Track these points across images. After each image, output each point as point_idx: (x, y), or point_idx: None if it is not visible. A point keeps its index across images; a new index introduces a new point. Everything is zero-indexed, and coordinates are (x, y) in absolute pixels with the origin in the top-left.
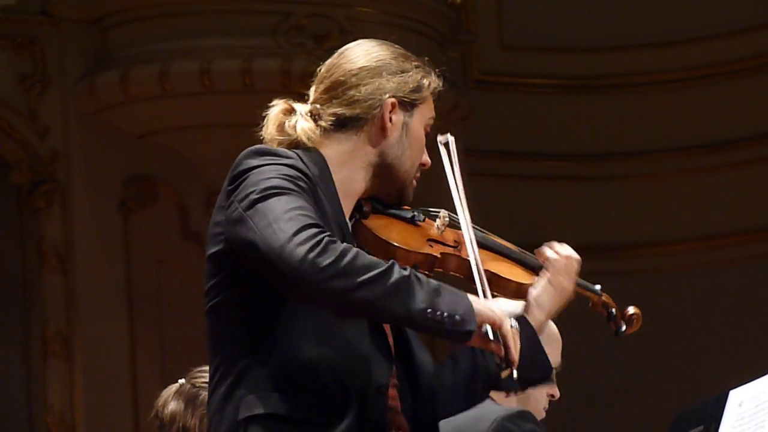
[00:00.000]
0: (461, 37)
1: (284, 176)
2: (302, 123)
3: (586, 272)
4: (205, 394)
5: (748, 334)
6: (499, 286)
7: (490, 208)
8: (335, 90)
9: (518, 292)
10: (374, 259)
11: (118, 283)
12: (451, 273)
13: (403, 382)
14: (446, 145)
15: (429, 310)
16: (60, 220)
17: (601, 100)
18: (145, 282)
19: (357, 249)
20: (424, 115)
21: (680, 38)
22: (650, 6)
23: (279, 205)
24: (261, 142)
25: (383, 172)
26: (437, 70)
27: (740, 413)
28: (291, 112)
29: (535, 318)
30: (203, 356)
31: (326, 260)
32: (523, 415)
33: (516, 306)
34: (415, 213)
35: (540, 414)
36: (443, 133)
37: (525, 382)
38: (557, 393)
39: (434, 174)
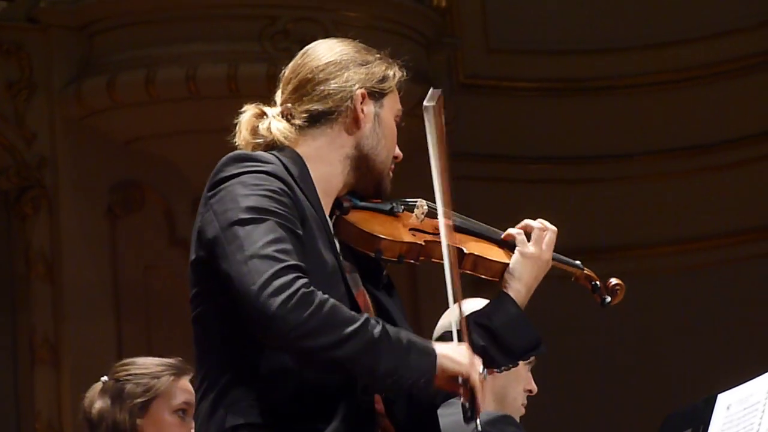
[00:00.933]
0: (447, 41)
1: (265, 192)
2: (276, 124)
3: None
4: (130, 386)
5: (736, 336)
6: (485, 268)
7: (476, 212)
8: (304, 87)
9: (503, 272)
10: (348, 313)
11: (105, 289)
12: (435, 261)
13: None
14: (429, 108)
15: (393, 377)
16: (47, 226)
17: (587, 102)
18: (133, 288)
19: (332, 302)
20: (392, 105)
21: (665, 41)
22: (635, 9)
23: (257, 236)
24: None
25: (360, 164)
26: (398, 61)
27: (728, 416)
28: (262, 115)
29: (514, 290)
30: (191, 361)
31: (299, 317)
32: (505, 419)
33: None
34: (394, 204)
35: (519, 411)
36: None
37: (516, 356)
38: (534, 388)
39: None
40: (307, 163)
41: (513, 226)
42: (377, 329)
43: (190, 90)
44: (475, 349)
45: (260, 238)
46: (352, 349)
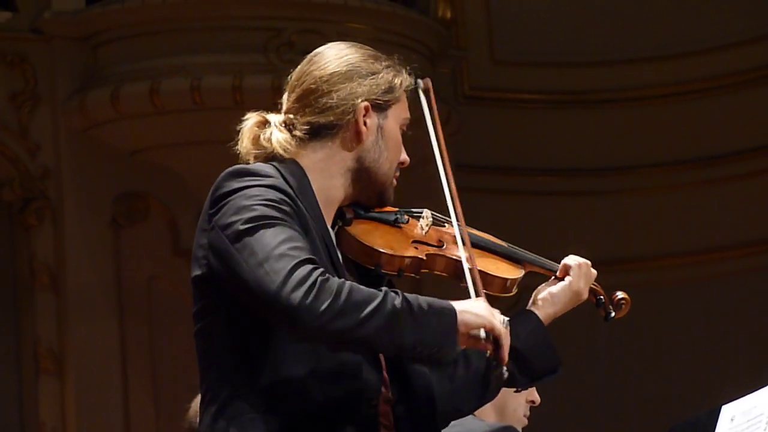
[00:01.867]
0: (452, 53)
1: (267, 202)
2: (277, 134)
3: None
4: None
5: (740, 348)
6: (486, 283)
7: (481, 224)
8: (307, 98)
9: (505, 287)
10: (367, 292)
11: (109, 300)
12: (437, 273)
13: (398, 397)
14: (426, 91)
15: (419, 347)
16: (51, 237)
17: (592, 115)
18: (136, 298)
19: (350, 284)
20: (398, 115)
21: (671, 53)
22: (641, 21)
23: (267, 240)
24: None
25: (362, 176)
26: (408, 67)
27: (732, 428)
28: (265, 124)
29: (545, 313)
30: (195, 373)
31: (323, 304)
32: (507, 431)
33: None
34: (398, 215)
35: (521, 422)
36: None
37: (534, 375)
38: (537, 399)
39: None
40: (307, 175)
41: (514, 240)
42: (398, 300)
43: (195, 101)
44: (498, 378)
45: (270, 240)
46: (376, 324)
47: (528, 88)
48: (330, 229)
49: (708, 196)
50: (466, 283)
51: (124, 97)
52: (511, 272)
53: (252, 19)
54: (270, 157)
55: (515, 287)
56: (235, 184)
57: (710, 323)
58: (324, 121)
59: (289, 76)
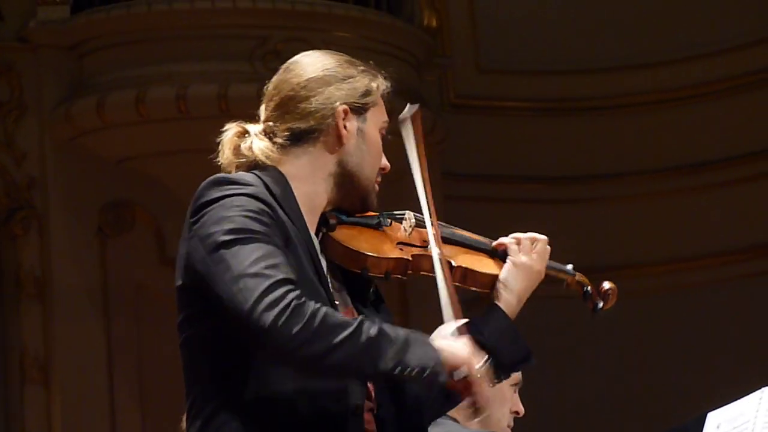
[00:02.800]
0: (437, 61)
1: (247, 213)
2: (258, 143)
3: (565, 296)
4: None
5: (725, 355)
6: (474, 281)
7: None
8: (286, 105)
9: (493, 283)
10: (341, 319)
11: (95, 309)
12: (423, 273)
13: (383, 405)
14: (406, 121)
15: (398, 368)
16: (37, 247)
17: (577, 122)
18: (123, 307)
19: (325, 309)
20: (377, 118)
21: (654, 61)
22: (624, 29)
23: (244, 256)
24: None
25: (345, 181)
26: (383, 72)
27: None
28: (245, 133)
29: (505, 301)
30: (181, 383)
31: (294, 327)
32: None
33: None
34: (381, 218)
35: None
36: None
37: (506, 368)
38: (521, 409)
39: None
40: (290, 182)
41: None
42: (373, 329)
43: (181, 110)
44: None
45: (247, 257)
46: (350, 351)
47: (514, 95)
48: (314, 236)
49: (694, 203)
50: (442, 307)
51: (110, 106)
52: (498, 268)
53: (237, 27)
54: (252, 166)
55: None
56: (216, 193)
57: (696, 330)
58: (304, 126)
59: (266, 87)
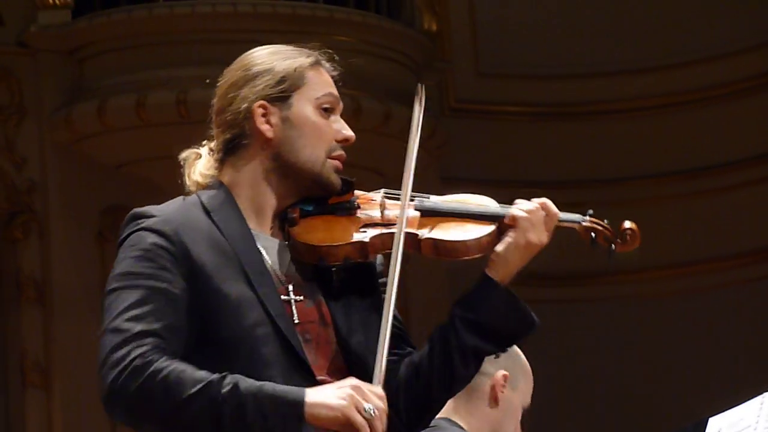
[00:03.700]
0: (437, 65)
1: (137, 253)
2: (200, 165)
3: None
4: None
5: (727, 360)
6: (447, 251)
7: None
8: (216, 120)
9: (468, 249)
10: (189, 378)
11: (96, 313)
12: (388, 252)
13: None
14: (415, 97)
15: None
16: (37, 251)
17: (578, 127)
18: None
19: (172, 368)
20: (309, 96)
21: (656, 65)
22: (626, 33)
23: (115, 306)
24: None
25: (287, 172)
26: (313, 45)
27: None
28: (199, 156)
29: (498, 274)
30: None
31: (128, 389)
32: None
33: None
34: (351, 201)
35: None
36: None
37: (512, 339)
38: None
39: None
40: (233, 191)
41: None
42: (226, 389)
43: (181, 114)
44: (467, 350)
45: (117, 307)
46: (192, 413)
47: (514, 100)
48: (270, 238)
49: (695, 208)
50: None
51: (111, 111)
52: (477, 231)
53: (237, 32)
54: (210, 185)
55: (490, 244)
56: (125, 232)
57: (697, 335)
58: (230, 136)
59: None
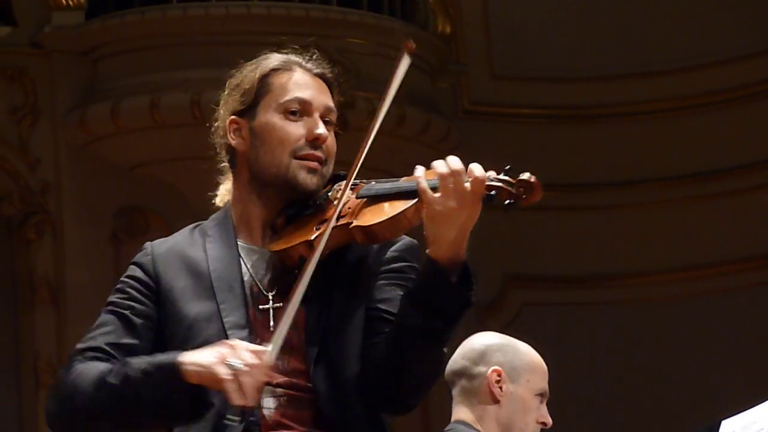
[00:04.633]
0: (451, 68)
1: (119, 286)
2: (227, 184)
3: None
4: None
5: (737, 363)
6: (375, 235)
7: (477, 238)
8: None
9: (392, 228)
10: (88, 376)
11: None
12: (340, 245)
13: (320, 390)
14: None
15: (151, 408)
16: (51, 252)
17: (589, 130)
18: None
19: (76, 373)
20: (272, 104)
21: (667, 69)
22: (638, 37)
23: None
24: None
25: (261, 182)
26: (273, 49)
27: None
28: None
29: (434, 250)
30: None
31: (54, 391)
32: None
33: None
34: (321, 198)
35: None
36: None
37: (450, 318)
38: (549, 420)
39: None
40: (231, 208)
41: (512, 254)
42: (116, 367)
43: (195, 116)
44: (416, 329)
45: (91, 328)
46: (102, 404)
47: (527, 102)
48: (258, 249)
49: (705, 211)
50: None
51: (124, 112)
52: (398, 207)
53: (251, 34)
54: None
55: (415, 218)
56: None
57: (708, 338)
58: (222, 156)
59: None
